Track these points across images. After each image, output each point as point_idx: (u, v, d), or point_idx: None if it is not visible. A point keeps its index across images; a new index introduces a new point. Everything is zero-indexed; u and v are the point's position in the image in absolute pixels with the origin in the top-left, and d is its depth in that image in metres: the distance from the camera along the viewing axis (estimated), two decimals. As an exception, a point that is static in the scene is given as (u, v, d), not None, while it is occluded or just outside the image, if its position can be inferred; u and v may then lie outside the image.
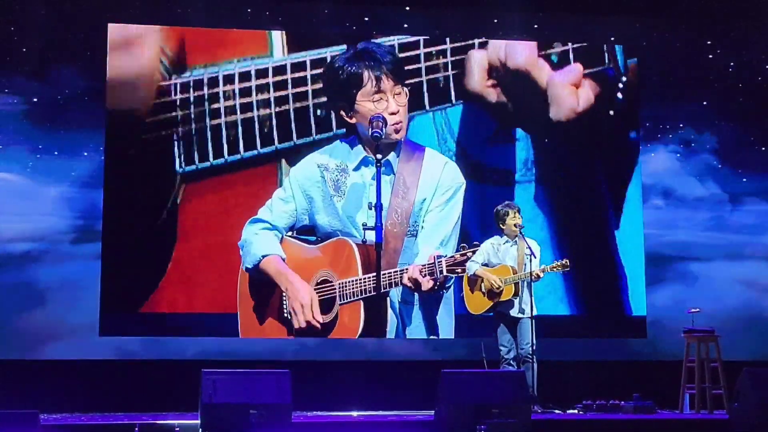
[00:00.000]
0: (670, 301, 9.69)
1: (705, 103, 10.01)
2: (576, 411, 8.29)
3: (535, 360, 8.08)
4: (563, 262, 8.14)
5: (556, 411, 8.20)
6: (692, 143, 10.00)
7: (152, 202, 9.26)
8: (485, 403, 6.64)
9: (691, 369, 8.57)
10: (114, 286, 9.08)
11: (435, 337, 9.24)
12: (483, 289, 8.42)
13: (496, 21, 9.80)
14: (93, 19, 9.26)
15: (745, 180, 10.00)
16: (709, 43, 10.05)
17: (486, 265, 8.42)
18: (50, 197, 9.09)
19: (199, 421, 6.57)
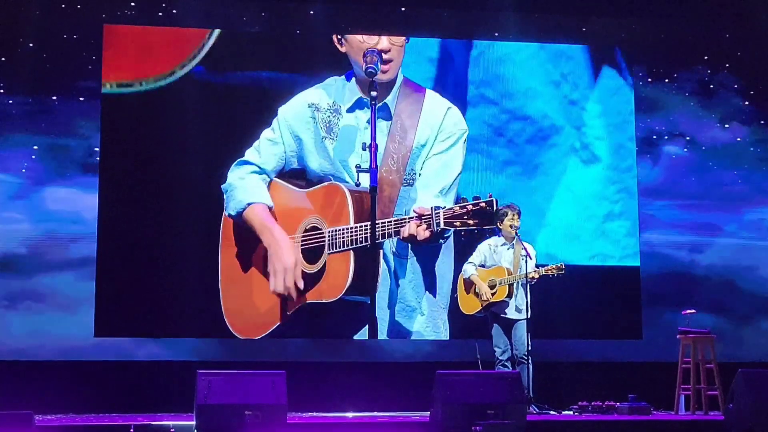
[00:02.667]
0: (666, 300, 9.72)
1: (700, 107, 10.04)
2: (571, 412, 8.30)
3: (530, 361, 8.09)
4: (559, 265, 8.15)
5: (552, 412, 8.20)
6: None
7: (149, 204, 9.23)
8: (480, 403, 6.64)
9: (686, 370, 8.58)
10: (109, 286, 9.07)
11: (434, 338, 9.23)
12: (476, 291, 8.43)
13: (492, 21, 9.79)
14: (91, 20, 9.26)
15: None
16: (705, 44, 10.06)
17: (482, 266, 8.43)
18: (45, 198, 9.08)
19: (194, 422, 6.56)
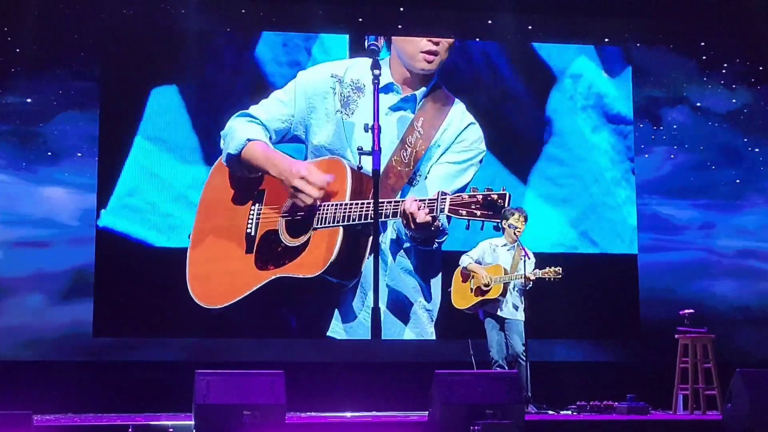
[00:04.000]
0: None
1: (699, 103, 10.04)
2: (570, 412, 8.30)
3: (527, 361, 8.09)
4: (556, 268, 8.12)
5: (550, 412, 8.20)
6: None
7: (147, 203, 9.21)
8: (479, 403, 6.64)
9: (684, 370, 8.58)
10: (108, 286, 9.07)
11: (430, 338, 9.22)
12: (472, 285, 8.42)
13: (489, 22, 9.80)
14: (89, 20, 9.26)
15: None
16: (702, 44, 10.06)
17: (479, 262, 8.43)
18: (43, 198, 9.08)
19: (192, 422, 6.56)
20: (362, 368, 9.16)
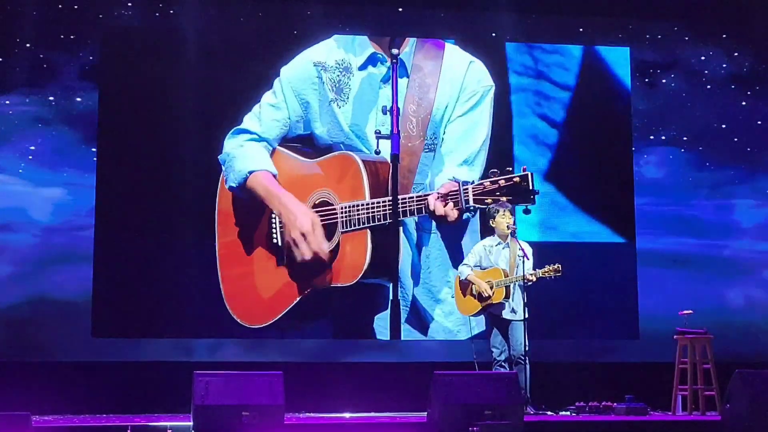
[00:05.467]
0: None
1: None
2: (568, 413, 8.29)
3: (527, 361, 8.09)
4: (555, 266, 8.09)
5: (549, 413, 8.20)
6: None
7: (146, 203, 9.21)
8: (478, 404, 6.64)
9: (683, 370, 8.58)
10: (106, 286, 9.06)
11: (425, 338, 9.21)
12: (474, 293, 8.41)
13: (488, 22, 9.79)
14: (88, 19, 9.26)
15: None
16: (701, 44, 10.07)
17: (478, 266, 8.41)
18: (41, 198, 9.07)
19: (191, 423, 6.56)
20: (361, 369, 9.15)
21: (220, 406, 6.47)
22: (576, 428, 7.61)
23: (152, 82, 9.20)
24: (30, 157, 9.11)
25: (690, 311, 8.81)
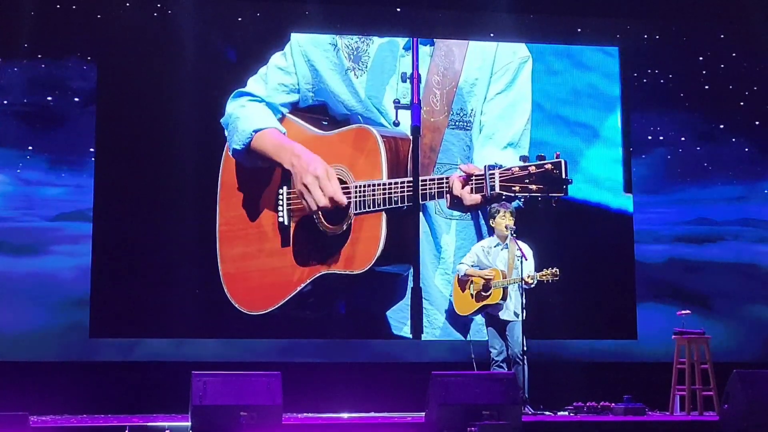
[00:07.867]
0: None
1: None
2: (566, 413, 8.29)
3: (525, 362, 8.09)
4: (553, 270, 8.06)
5: (547, 413, 8.20)
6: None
7: (146, 203, 9.20)
8: (476, 404, 6.65)
9: (681, 371, 8.59)
10: (105, 286, 9.06)
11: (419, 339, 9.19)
12: (472, 290, 8.41)
13: (486, 22, 9.77)
14: (86, 19, 9.25)
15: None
16: (700, 45, 10.07)
17: (476, 267, 8.40)
18: (39, 198, 9.07)
19: (189, 423, 6.56)
20: (359, 369, 9.15)
21: (218, 407, 6.47)
22: (574, 428, 7.62)
23: (151, 82, 9.19)
24: (28, 157, 9.10)
25: (688, 311, 8.82)
